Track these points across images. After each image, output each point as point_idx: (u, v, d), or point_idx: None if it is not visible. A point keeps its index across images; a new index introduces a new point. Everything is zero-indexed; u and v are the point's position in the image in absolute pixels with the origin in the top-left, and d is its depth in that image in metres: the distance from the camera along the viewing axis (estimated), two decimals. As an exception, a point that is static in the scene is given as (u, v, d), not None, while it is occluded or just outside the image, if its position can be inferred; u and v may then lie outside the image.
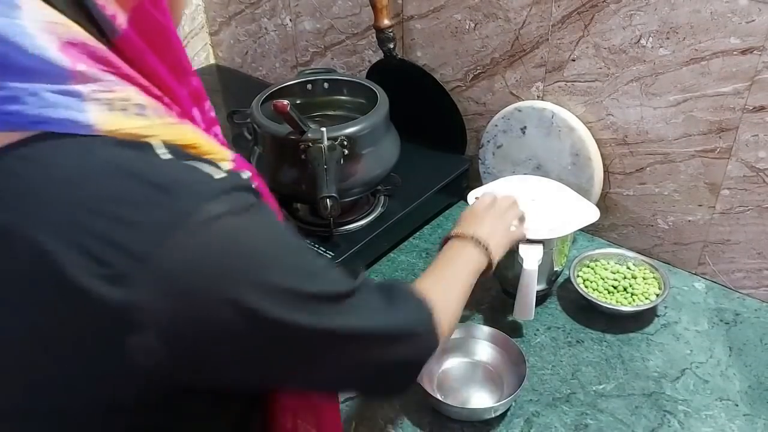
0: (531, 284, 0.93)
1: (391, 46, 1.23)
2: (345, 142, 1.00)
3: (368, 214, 1.13)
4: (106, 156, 0.46)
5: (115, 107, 0.47)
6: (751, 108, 0.92)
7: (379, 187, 1.15)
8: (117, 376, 0.45)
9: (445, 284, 0.74)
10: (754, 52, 0.89)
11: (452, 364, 0.94)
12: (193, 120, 0.55)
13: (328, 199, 0.97)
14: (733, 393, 0.89)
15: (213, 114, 0.60)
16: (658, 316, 1.01)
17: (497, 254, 0.83)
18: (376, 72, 1.29)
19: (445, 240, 0.84)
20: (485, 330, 0.95)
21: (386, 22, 1.21)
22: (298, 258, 0.52)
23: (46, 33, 0.45)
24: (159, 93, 0.51)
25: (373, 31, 1.24)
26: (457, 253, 0.81)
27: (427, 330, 0.63)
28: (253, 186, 0.51)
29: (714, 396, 0.89)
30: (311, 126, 1.01)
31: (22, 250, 0.44)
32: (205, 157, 0.51)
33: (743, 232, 1.01)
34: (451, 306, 0.71)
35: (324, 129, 0.99)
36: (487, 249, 0.81)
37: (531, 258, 0.92)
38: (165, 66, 0.52)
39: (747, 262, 1.03)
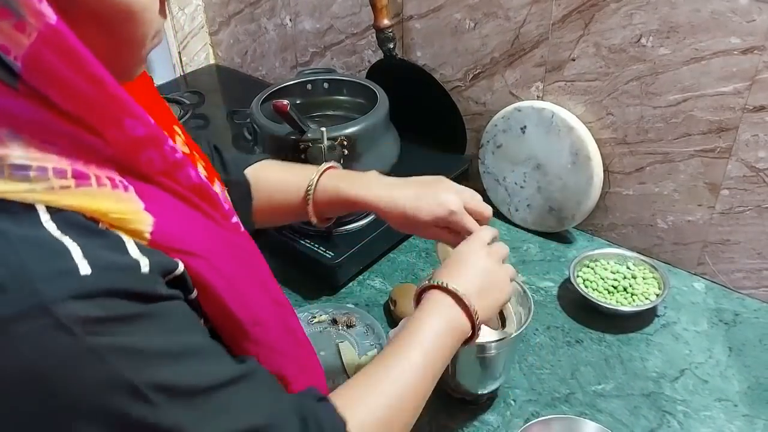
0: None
1: (391, 45, 1.23)
2: (345, 142, 1.00)
3: (368, 214, 1.13)
4: None
5: None
6: (751, 108, 0.92)
7: (379, 187, 1.15)
8: None
9: (393, 388, 0.59)
10: (755, 51, 0.89)
11: None
12: (138, 163, 0.48)
13: (327, 199, 0.97)
14: (733, 393, 0.89)
15: (179, 155, 0.50)
16: (657, 316, 1.01)
17: (484, 317, 0.68)
18: (376, 72, 1.29)
19: (421, 291, 0.69)
20: None
21: (386, 21, 1.21)
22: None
23: None
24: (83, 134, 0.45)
25: (373, 30, 1.24)
26: (429, 321, 0.65)
27: None
28: (151, 284, 0.44)
29: (713, 396, 0.88)
30: (311, 126, 1.01)
31: None
32: (108, 227, 0.44)
33: (743, 232, 1.01)
34: (395, 422, 0.59)
35: (324, 129, 0.99)
36: (472, 312, 0.66)
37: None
38: (88, 110, 0.44)
39: (747, 262, 1.03)
